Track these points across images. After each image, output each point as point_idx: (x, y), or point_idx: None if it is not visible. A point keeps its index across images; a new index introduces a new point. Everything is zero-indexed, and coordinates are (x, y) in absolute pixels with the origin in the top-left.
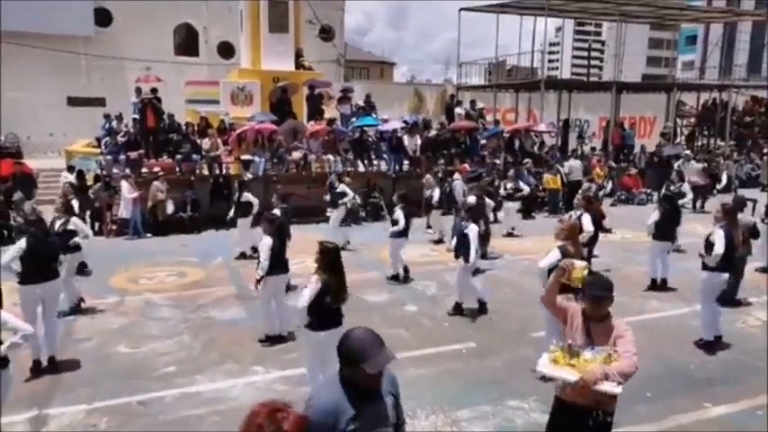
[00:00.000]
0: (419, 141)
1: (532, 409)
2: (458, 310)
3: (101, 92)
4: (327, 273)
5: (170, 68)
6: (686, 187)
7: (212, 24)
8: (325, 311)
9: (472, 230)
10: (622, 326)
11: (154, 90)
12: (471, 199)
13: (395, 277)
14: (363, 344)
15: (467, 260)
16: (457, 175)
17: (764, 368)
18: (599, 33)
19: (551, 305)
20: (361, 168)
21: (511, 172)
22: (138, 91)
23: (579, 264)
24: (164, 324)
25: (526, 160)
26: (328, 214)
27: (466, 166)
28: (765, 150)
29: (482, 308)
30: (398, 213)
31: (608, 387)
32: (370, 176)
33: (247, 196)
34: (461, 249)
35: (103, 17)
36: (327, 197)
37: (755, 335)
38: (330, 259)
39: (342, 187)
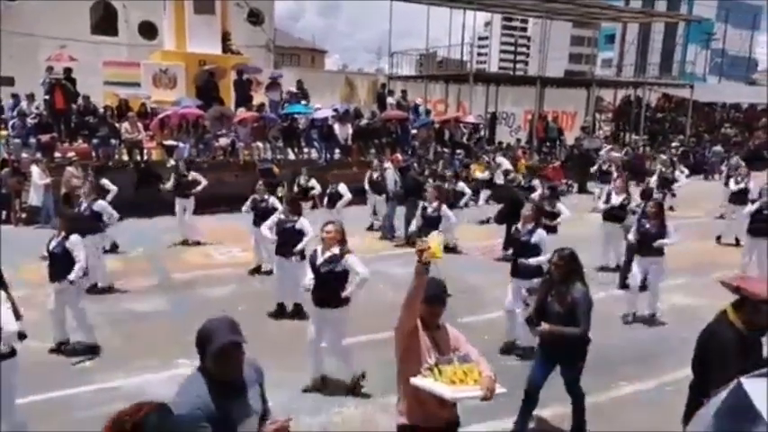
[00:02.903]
0: (350, 130)
1: None
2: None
3: (9, 70)
4: None
5: (87, 48)
6: (536, 182)
7: (133, 3)
8: None
9: (304, 225)
10: (454, 330)
11: (67, 70)
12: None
13: (257, 270)
14: (210, 327)
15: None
16: (388, 164)
17: (675, 348)
18: (525, 29)
19: (413, 316)
20: (291, 156)
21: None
22: (50, 70)
23: (432, 236)
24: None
25: (459, 151)
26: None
27: (398, 155)
28: (674, 144)
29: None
30: (272, 200)
31: (498, 389)
32: (300, 165)
33: (105, 183)
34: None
35: None
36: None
37: (665, 317)
38: None
39: (193, 175)
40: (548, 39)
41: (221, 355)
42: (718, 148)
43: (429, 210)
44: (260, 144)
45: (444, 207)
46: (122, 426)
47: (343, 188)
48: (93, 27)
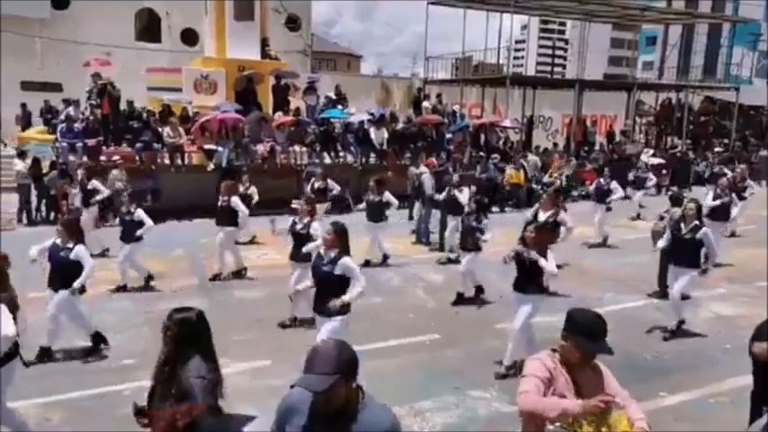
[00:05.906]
0: (386, 134)
1: (495, 398)
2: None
3: (57, 77)
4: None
5: (131, 54)
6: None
7: (175, 10)
8: None
9: None
10: (607, 371)
11: (97, 75)
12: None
13: (123, 288)
14: (309, 358)
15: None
16: (424, 168)
17: (717, 358)
18: (563, 32)
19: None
20: (327, 160)
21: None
22: (96, 77)
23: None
24: (121, 316)
25: (494, 155)
26: (294, 206)
27: (433, 159)
28: (716, 149)
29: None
30: (139, 213)
31: None
32: (337, 169)
33: (94, 183)
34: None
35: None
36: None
37: (708, 327)
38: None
39: (93, 183)
40: (586, 41)
41: (318, 398)
42: (765, 152)
43: (298, 226)
44: (297, 148)
45: (315, 223)
46: (174, 425)
47: (236, 201)
48: (138, 34)
